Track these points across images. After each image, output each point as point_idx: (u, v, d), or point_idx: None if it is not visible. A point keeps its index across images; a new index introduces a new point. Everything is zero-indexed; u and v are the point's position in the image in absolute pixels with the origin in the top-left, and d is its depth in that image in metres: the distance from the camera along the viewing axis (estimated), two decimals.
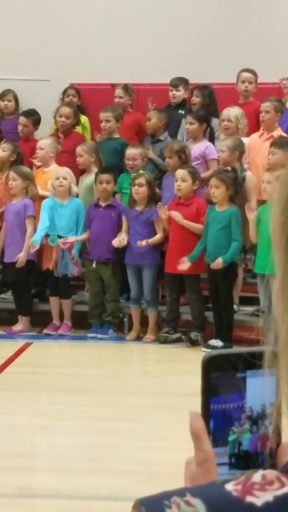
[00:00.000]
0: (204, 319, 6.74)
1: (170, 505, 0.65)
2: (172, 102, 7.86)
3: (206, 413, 0.73)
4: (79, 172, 7.45)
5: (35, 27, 8.69)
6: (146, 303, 6.93)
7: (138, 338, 6.85)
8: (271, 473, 0.65)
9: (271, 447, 0.74)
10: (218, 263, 6.35)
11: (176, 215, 6.63)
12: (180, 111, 7.72)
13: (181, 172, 6.65)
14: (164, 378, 5.76)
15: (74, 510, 3.58)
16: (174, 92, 7.82)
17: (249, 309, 6.99)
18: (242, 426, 0.73)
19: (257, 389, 0.73)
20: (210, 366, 0.74)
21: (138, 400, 5.28)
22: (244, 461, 0.74)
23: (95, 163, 7.22)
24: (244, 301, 7.06)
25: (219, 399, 0.73)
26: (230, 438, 0.73)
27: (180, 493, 0.66)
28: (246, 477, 0.66)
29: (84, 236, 7.05)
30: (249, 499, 0.64)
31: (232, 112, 7.16)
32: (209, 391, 0.73)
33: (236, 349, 0.76)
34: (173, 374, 5.85)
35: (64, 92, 8.25)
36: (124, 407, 5.06)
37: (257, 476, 0.65)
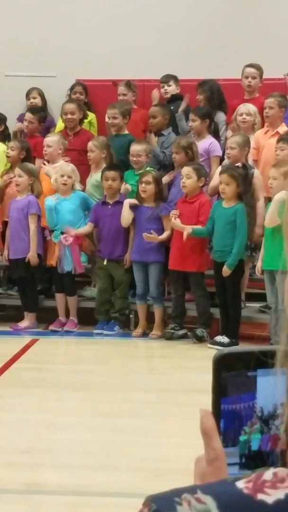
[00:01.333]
0: (209, 316, 6.74)
1: (181, 502, 0.65)
2: (165, 97, 7.86)
3: (217, 412, 0.72)
4: (88, 169, 7.44)
5: (41, 23, 8.69)
6: (152, 299, 6.93)
7: (144, 335, 6.86)
8: (282, 471, 0.65)
9: (282, 447, 0.73)
10: (225, 271, 6.35)
11: (178, 226, 6.61)
12: (172, 107, 7.71)
13: (186, 169, 6.65)
14: (170, 375, 5.76)
15: (80, 506, 3.59)
16: (166, 87, 7.83)
17: (256, 305, 6.98)
18: (253, 426, 0.73)
19: (268, 388, 0.73)
20: (221, 365, 0.73)
21: (144, 396, 5.28)
22: (255, 461, 0.73)
23: (105, 159, 7.21)
24: (251, 297, 7.05)
25: (229, 399, 0.73)
26: (241, 438, 0.73)
27: (191, 490, 0.66)
28: (257, 474, 0.66)
29: (86, 228, 7.03)
30: (260, 496, 0.63)
31: (251, 107, 7.16)
32: (220, 389, 0.72)
33: (247, 347, 0.75)
34: (179, 370, 5.85)
35: (71, 88, 8.24)
36: (130, 403, 5.07)
37: (268, 473, 0.65)
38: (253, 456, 0.73)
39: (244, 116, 7.09)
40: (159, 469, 3.90)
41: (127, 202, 6.88)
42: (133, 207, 6.94)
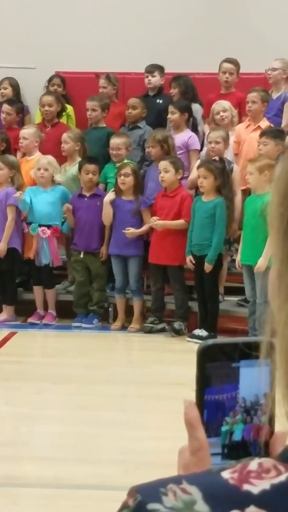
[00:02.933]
0: (187, 309, 6.76)
1: (166, 492, 0.65)
2: (148, 88, 7.84)
3: (201, 402, 0.73)
4: (65, 161, 7.42)
5: (21, 15, 8.64)
6: (132, 292, 6.94)
7: (123, 328, 6.86)
8: (267, 461, 0.66)
9: (265, 437, 0.74)
10: (207, 267, 6.37)
11: (156, 225, 6.61)
12: (158, 100, 7.70)
13: (163, 163, 6.65)
14: (149, 368, 5.78)
15: (59, 499, 3.59)
16: (149, 78, 7.80)
17: (234, 299, 7.01)
18: (235, 416, 0.74)
19: (251, 379, 0.73)
20: (205, 356, 0.73)
21: (123, 389, 5.29)
22: (237, 451, 0.74)
23: (79, 152, 7.19)
24: (229, 291, 7.08)
25: (213, 389, 0.73)
26: (223, 428, 0.74)
27: (177, 480, 0.66)
28: (242, 465, 0.66)
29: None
30: (246, 487, 0.64)
31: (224, 102, 7.17)
32: (204, 380, 0.73)
33: (231, 338, 0.75)
34: (157, 363, 5.87)
35: (49, 80, 8.20)
36: (109, 396, 5.08)
37: (253, 464, 0.66)
38: (235, 446, 0.74)
39: (221, 113, 7.10)
40: (138, 462, 3.91)
41: (108, 199, 6.86)
42: (111, 201, 6.94)
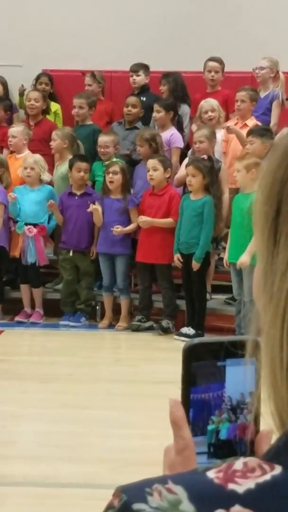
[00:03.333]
0: (175, 307, 6.77)
1: (151, 492, 0.65)
2: (134, 87, 7.84)
3: (186, 401, 0.73)
4: (50, 159, 7.41)
5: (7, 12, 8.61)
6: (119, 291, 6.93)
7: (110, 326, 6.86)
8: (252, 461, 0.66)
9: (250, 436, 0.74)
10: (195, 265, 6.38)
11: (144, 222, 6.61)
12: (142, 98, 7.70)
13: (151, 162, 6.66)
14: (136, 366, 5.78)
15: (46, 497, 3.59)
16: (134, 77, 7.81)
17: (221, 297, 7.03)
18: (221, 415, 0.74)
19: (236, 378, 0.73)
20: (191, 354, 0.73)
21: (110, 387, 5.29)
22: (223, 450, 0.74)
23: (68, 149, 7.18)
24: (216, 289, 7.10)
25: (199, 388, 0.73)
26: (209, 427, 0.74)
27: (162, 480, 0.66)
28: (227, 464, 0.66)
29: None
30: (231, 486, 0.64)
31: (213, 102, 7.19)
32: (190, 379, 0.73)
33: (217, 337, 0.75)
34: (145, 361, 5.87)
35: (37, 78, 8.19)
36: (96, 395, 5.08)
37: (238, 463, 0.66)
38: (221, 445, 0.74)
39: (209, 113, 7.12)
40: (125, 460, 3.91)
41: (99, 207, 6.83)
42: (99, 199, 6.93)
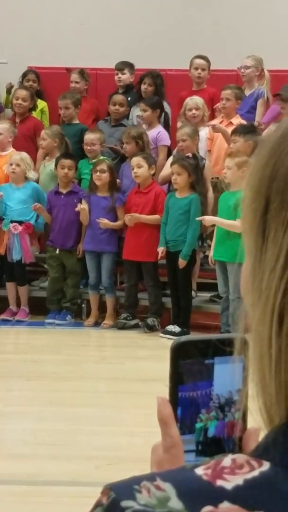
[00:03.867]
0: (161, 305, 6.78)
1: (140, 489, 0.65)
2: (118, 85, 7.84)
3: (174, 399, 0.73)
4: (35, 157, 7.39)
5: None
6: (104, 289, 6.93)
7: (96, 324, 6.86)
8: (241, 457, 0.66)
9: (239, 434, 0.74)
10: (181, 263, 6.39)
11: (131, 218, 6.62)
12: (128, 98, 7.70)
13: (135, 159, 6.66)
14: (122, 364, 5.78)
15: (33, 495, 3.59)
16: (120, 75, 7.80)
17: (206, 295, 7.04)
18: (209, 413, 0.74)
19: (224, 376, 0.74)
20: (179, 352, 0.73)
21: (96, 385, 5.29)
22: (211, 448, 0.74)
23: (58, 148, 7.16)
24: (202, 287, 7.11)
25: (187, 386, 0.73)
26: (197, 425, 0.74)
27: (150, 477, 0.66)
28: (216, 461, 0.66)
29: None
30: (220, 483, 0.64)
31: (198, 100, 7.20)
32: (178, 377, 0.73)
33: (205, 335, 0.75)
34: (130, 359, 5.88)
35: (24, 76, 8.16)
36: (82, 392, 5.07)
37: (227, 460, 0.66)
38: (209, 443, 0.74)
39: (193, 111, 7.13)
40: (111, 458, 3.92)
41: (86, 206, 6.82)
42: (86, 197, 6.93)
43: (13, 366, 5.66)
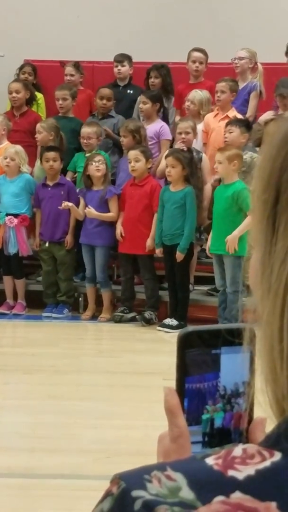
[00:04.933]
0: (158, 298, 6.78)
1: (151, 479, 0.65)
2: (118, 78, 7.82)
3: (181, 390, 0.73)
4: (35, 151, 7.37)
5: None
6: (99, 283, 6.93)
7: (93, 318, 6.86)
8: (251, 447, 0.66)
9: (244, 425, 0.74)
10: (179, 256, 6.39)
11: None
12: (129, 91, 7.68)
13: (133, 153, 6.65)
14: (119, 357, 5.79)
15: (31, 488, 3.59)
16: (119, 67, 7.78)
17: (203, 288, 7.05)
18: (216, 404, 0.74)
19: (231, 367, 0.73)
20: (185, 343, 0.72)
21: (93, 378, 5.30)
22: (218, 439, 0.74)
23: (53, 141, 7.15)
24: (198, 280, 7.11)
25: (193, 378, 0.73)
26: (204, 416, 0.74)
27: (161, 467, 0.66)
28: (226, 451, 0.66)
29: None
30: (231, 473, 0.64)
31: (198, 95, 7.18)
32: (184, 368, 0.72)
33: (212, 325, 0.75)
34: (128, 353, 5.88)
35: (20, 68, 8.14)
36: (80, 386, 5.08)
37: (237, 450, 0.66)
38: (216, 434, 0.74)
39: (189, 103, 7.13)
40: (109, 451, 3.93)
41: (74, 208, 6.81)
42: (82, 191, 6.92)
43: (10, 359, 5.66)
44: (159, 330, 6.41)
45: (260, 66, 7.56)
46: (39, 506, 3.39)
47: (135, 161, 6.63)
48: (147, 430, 3.93)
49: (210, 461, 0.65)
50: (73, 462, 3.83)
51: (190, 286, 6.78)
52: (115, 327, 6.67)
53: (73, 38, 8.43)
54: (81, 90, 7.88)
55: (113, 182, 7.04)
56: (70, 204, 6.75)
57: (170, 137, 7.22)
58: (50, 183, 6.95)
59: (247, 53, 7.57)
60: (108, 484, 0.68)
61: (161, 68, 7.57)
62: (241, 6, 8.41)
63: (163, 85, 7.50)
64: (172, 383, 0.73)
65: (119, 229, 6.75)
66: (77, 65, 7.90)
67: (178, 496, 0.63)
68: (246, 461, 0.64)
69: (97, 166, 6.75)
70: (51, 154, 6.83)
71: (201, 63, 7.70)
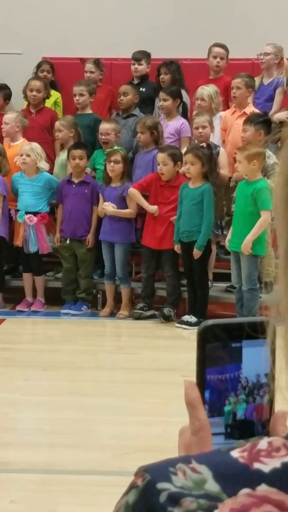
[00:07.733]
0: (178, 296, 6.77)
1: (176, 472, 0.65)
2: (134, 76, 7.81)
3: (201, 383, 0.73)
4: (51, 148, 7.39)
5: (6, 0, 8.57)
6: (119, 280, 6.94)
7: (112, 314, 6.87)
8: (277, 440, 0.66)
9: (266, 416, 0.74)
10: (197, 253, 6.38)
11: (107, 210, 6.65)
12: (141, 89, 7.67)
13: (161, 156, 6.61)
14: (138, 354, 5.80)
15: (50, 484, 3.61)
16: (136, 66, 7.77)
17: (222, 285, 7.03)
18: (238, 396, 0.74)
19: (253, 359, 0.74)
20: (206, 336, 0.73)
21: (112, 375, 5.31)
22: (240, 431, 0.75)
23: (73, 138, 7.16)
24: (217, 277, 7.10)
25: (214, 370, 0.73)
26: (226, 408, 0.74)
27: (186, 460, 0.66)
28: (251, 444, 0.66)
29: (58, 210, 7.04)
30: (257, 465, 0.64)
31: (205, 90, 7.15)
32: (205, 360, 0.73)
33: (232, 318, 0.75)
34: (147, 349, 5.89)
35: (38, 66, 8.16)
36: (98, 382, 5.10)
37: (263, 443, 0.66)
38: (238, 425, 0.75)
39: (199, 101, 7.09)
40: (128, 447, 3.94)
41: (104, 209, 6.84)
42: (101, 188, 6.93)
43: (29, 356, 5.69)
44: (178, 327, 6.41)
45: (286, 62, 7.51)
46: (59, 502, 3.41)
47: (163, 164, 6.61)
48: (165, 426, 3.93)
49: (235, 454, 0.65)
50: (92, 458, 3.85)
51: (209, 283, 6.77)
52: (133, 323, 6.67)
53: (91, 35, 8.44)
54: (101, 86, 7.89)
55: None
56: (111, 209, 6.74)
57: (190, 134, 7.20)
58: (75, 181, 6.96)
59: (273, 49, 7.52)
60: (126, 480, 0.68)
61: (170, 65, 7.54)
62: (262, 0, 8.37)
63: (172, 81, 7.49)
64: (191, 380, 0.74)
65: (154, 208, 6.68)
66: (97, 62, 7.91)
67: (203, 488, 0.63)
68: (272, 454, 0.64)
69: (112, 167, 6.76)
70: (78, 152, 6.85)
71: (222, 58, 7.67)
